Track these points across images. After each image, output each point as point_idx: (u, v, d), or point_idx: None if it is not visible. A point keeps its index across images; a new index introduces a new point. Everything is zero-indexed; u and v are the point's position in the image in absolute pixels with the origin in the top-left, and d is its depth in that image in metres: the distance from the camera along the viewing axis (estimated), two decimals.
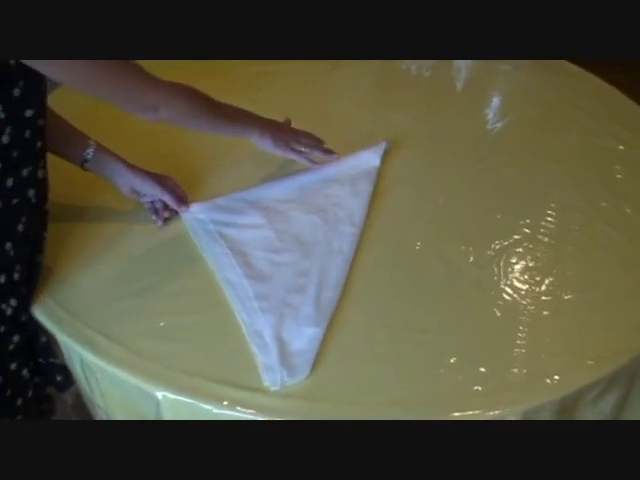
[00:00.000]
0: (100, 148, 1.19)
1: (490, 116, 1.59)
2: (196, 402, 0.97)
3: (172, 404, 0.99)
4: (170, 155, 1.37)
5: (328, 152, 1.33)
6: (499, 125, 1.55)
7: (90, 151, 1.17)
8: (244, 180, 1.34)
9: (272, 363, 1.01)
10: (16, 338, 1.07)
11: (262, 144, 1.26)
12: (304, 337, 1.05)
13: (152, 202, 1.24)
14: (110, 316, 1.08)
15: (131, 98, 1.05)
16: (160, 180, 1.22)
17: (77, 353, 1.05)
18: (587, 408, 1.05)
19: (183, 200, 1.24)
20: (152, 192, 1.21)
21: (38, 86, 1.00)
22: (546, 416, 1.00)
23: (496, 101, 1.67)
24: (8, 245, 1.03)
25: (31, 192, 1.04)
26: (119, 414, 1.08)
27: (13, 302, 1.05)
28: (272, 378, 0.99)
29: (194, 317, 1.09)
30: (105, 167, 1.19)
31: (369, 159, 1.38)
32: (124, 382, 1.02)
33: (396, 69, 1.73)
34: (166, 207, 1.24)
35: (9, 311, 1.05)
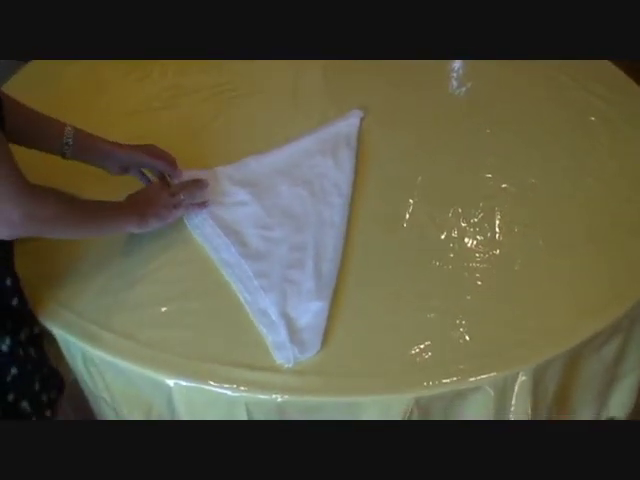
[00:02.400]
0: (79, 132, 1.14)
1: (457, 80, 1.58)
2: (211, 387, 0.96)
3: (185, 391, 0.97)
4: (145, 136, 1.33)
5: (200, 189, 1.20)
6: (466, 88, 1.54)
7: (69, 137, 1.12)
8: (225, 154, 1.31)
9: (282, 340, 1.00)
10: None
11: (147, 228, 1.11)
12: (309, 312, 1.03)
13: (142, 174, 1.22)
14: (110, 309, 1.05)
15: None
16: (146, 149, 1.19)
17: (78, 349, 1.02)
18: (592, 356, 1.07)
19: (174, 163, 1.21)
20: (142, 163, 1.19)
21: None
22: (556, 369, 1.02)
23: (459, 64, 1.66)
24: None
25: None
26: (126, 406, 1.05)
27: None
28: (284, 355, 0.98)
29: (196, 302, 1.07)
30: (87, 150, 1.15)
31: (347, 128, 1.37)
32: (131, 373, 1.00)
33: None
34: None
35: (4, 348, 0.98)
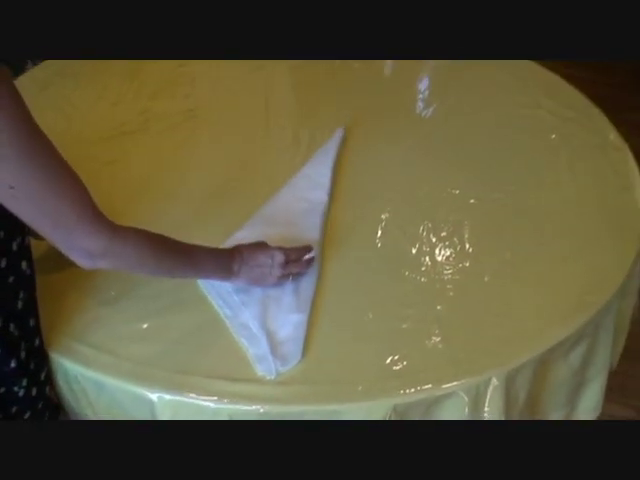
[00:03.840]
0: None
1: (422, 100, 1.64)
2: (194, 400, 0.98)
3: (168, 405, 0.99)
4: (119, 160, 1.35)
5: (305, 265, 1.13)
6: (433, 108, 1.59)
7: None
8: (198, 178, 1.34)
9: (263, 353, 1.02)
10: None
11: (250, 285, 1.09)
12: (289, 324, 1.06)
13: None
14: (90, 325, 1.07)
15: (63, 234, 0.88)
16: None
17: (60, 366, 1.03)
18: (560, 361, 1.12)
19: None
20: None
21: None
22: (527, 374, 1.06)
23: (426, 82, 1.72)
24: (12, 326, 0.96)
25: (24, 264, 0.96)
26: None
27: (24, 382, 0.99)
28: (266, 367, 1.01)
29: (176, 317, 1.09)
30: None
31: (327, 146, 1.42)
32: (114, 390, 1.01)
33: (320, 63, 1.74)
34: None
35: (21, 392, 0.98)
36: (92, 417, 1.07)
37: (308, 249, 1.12)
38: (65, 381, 1.05)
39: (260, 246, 1.09)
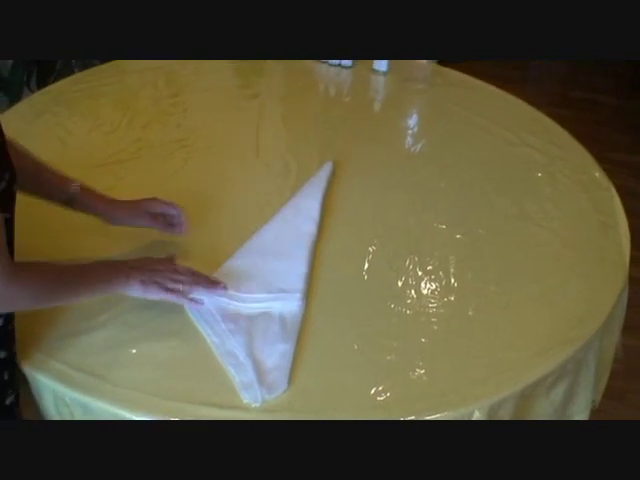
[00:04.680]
0: (84, 190, 1.19)
1: (411, 136, 1.68)
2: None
3: None
4: (114, 187, 1.37)
5: (212, 285, 1.15)
6: (421, 142, 1.63)
7: (75, 193, 1.18)
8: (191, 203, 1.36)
9: (249, 381, 1.04)
10: None
11: (131, 292, 1.08)
12: (276, 353, 1.08)
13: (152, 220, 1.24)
14: (79, 350, 1.08)
15: None
16: (148, 211, 1.23)
17: (50, 389, 1.04)
18: (542, 397, 1.13)
19: (179, 213, 1.24)
20: (146, 224, 1.23)
21: None
22: (509, 407, 1.07)
23: (415, 118, 1.76)
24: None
25: None
26: None
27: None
28: (252, 395, 1.02)
29: (164, 343, 1.10)
30: (91, 208, 1.20)
31: (315, 179, 1.44)
32: (100, 412, 1.02)
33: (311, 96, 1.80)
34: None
35: None
36: None
37: (219, 285, 1.15)
38: (54, 404, 1.05)
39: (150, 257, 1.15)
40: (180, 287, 1.10)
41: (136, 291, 1.08)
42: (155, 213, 1.24)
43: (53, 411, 1.06)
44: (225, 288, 1.15)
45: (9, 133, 0.99)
